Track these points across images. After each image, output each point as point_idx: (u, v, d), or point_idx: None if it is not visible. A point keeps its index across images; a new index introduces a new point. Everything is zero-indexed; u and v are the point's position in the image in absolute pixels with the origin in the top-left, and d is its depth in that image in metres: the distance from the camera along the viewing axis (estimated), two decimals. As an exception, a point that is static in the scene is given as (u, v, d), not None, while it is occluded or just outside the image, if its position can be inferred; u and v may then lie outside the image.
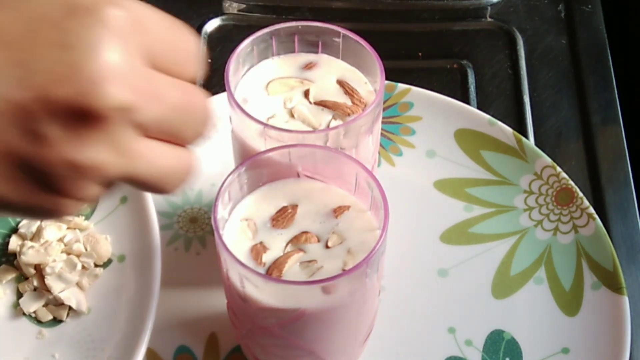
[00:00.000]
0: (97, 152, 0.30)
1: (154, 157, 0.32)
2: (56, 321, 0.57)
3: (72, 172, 0.30)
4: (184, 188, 0.35)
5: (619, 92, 0.72)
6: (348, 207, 0.49)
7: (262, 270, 0.47)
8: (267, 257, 0.47)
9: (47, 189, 0.31)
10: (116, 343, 0.54)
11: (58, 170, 0.30)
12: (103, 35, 0.29)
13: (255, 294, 0.46)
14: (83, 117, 0.29)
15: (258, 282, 0.46)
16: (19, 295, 0.58)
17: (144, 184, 0.33)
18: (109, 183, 0.32)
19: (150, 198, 0.59)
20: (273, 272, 0.46)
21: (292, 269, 0.47)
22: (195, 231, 0.62)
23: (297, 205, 0.49)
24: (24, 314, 0.57)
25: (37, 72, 0.29)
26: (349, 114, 0.52)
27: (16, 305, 0.57)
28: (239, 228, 0.49)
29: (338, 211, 0.49)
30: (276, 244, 0.48)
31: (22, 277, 0.58)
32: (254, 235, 0.48)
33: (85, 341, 0.55)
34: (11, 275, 0.58)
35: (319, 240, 0.48)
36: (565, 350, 0.57)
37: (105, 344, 0.55)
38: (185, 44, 0.34)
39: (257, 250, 0.48)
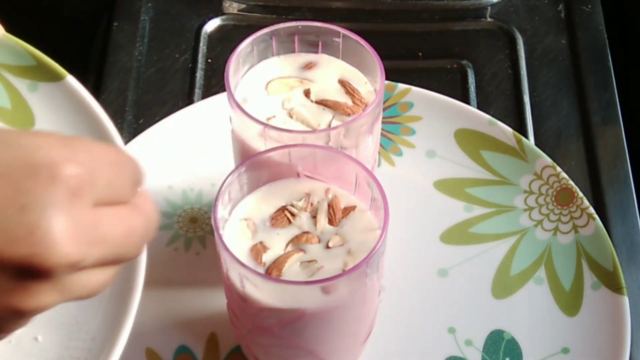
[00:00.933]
0: (41, 299, 0.32)
1: (91, 284, 0.34)
2: None
3: (14, 317, 0.32)
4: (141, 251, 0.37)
5: (619, 92, 0.72)
6: (354, 208, 0.49)
7: (262, 270, 0.47)
8: (267, 257, 0.47)
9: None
10: (99, 324, 0.54)
11: (2, 314, 0.32)
12: (57, 197, 0.30)
13: (255, 294, 0.46)
14: (32, 275, 0.31)
15: (258, 282, 0.46)
16: None
17: (92, 293, 0.34)
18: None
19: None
20: (272, 271, 0.46)
21: (292, 269, 0.47)
22: (195, 231, 0.62)
23: (295, 205, 0.49)
24: None
25: None
26: (349, 114, 0.52)
27: None
28: (239, 228, 0.49)
29: (344, 212, 0.49)
30: (276, 244, 0.48)
31: None
32: (253, 235, 0.48)
33: (70, 323, 0.55)
34: None
35: (319, 241, 0.48)
36: (565, 350, 0.57)
37: (89, 326, 0.54)
38: (128, 175, 0.35)
39: (257, 250, 0.48)
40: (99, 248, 0.32)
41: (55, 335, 0.55)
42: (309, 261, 0.47)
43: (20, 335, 0.55)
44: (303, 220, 0.49)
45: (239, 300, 0.48)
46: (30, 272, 0.30)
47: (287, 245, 0.48)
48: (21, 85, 0.55)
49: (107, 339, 0.52)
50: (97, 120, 0.51)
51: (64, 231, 0.31)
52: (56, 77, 0.54)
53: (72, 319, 0.55)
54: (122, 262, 0.35)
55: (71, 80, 0.54)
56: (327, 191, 0.50)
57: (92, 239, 0.32)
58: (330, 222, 0.48)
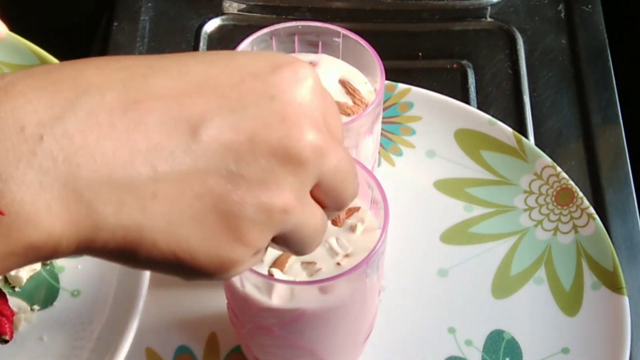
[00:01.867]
0: (287, 196, 0.32)
1: (317, 213, 0.35)
2: (45, 304, 0.57)
3: (263, 215, 0.32)
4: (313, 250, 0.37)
5: (619, 92, 0.72)
6: (358, 209, 0.49)
7: (262, 270, 0.47)
8: (267, 257, 0.47)
9: (232, 235, 0.32)
10: (105, 323, 0.54)
11: (250, 212, 0.32)
12: (302, 88, 0.33)
13: (256, 294, 0.46)
14: (285, 160, 0.32)
15: (258, 282, 0.46)
16: None
17: (298, 239, 0.35)
18: (274, 237, 0.34)
19: None
20: (273, 271, 0.46)
21: (293, 269, 0.47)
22: (195, 231, 0.62)
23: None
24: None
25: (248, 118, 0.32)
26: (349, 114, 0.52)
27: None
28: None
29: (348, 212, 0.49)
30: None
31: None
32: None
33: (74, 323, 0.55)
34: None
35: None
36: (565, 350, 0.57)
37: (94, 325, 0.54)
38: (338, 113, 0.37)
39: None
40: (335, 153, 0.34)
41: (60, 335, 0.55)
42: (309, 263, 0.47)
43: (25, 335, 0.55)
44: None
45: (239, 300, 0.48)
46: (282, 159, 0.32)
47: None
48: None
49: (113, 339, 0.52)
50: None
51: (311, 120, 0.33)
52: None
53: (77, 319, 0.55)
54: (339, 202, 0.36)
55: None
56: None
57: (329, 139, 0.34)
58: (334, 222, 0.48)
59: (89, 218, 0.29)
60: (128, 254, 0.31)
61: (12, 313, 0.54)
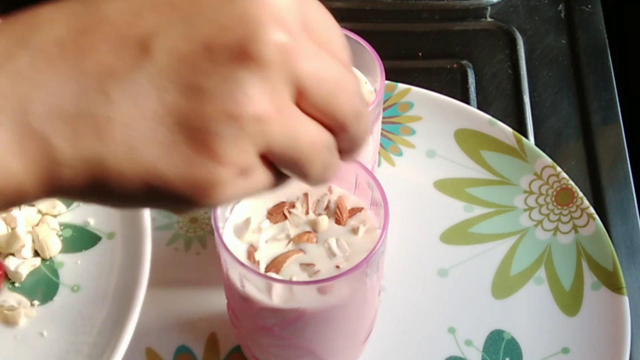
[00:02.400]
0: (258, 103, 0.30)
1: (309, 127, 0.32)
2: (45, 299, 0.57)
3: (232, 126, 0.29)
4: (327, 181, 0.34)
5: (619, 92, 0.72)
6: (361, 209, 0.49)
7: (259, 269, 0.47)
8: (267, 256, 0.47)
9: (203, 153, 0.30)
10: (106, 318, 0.54)
11: (217, 125, 0.29)
12: None
13: (255, 294, 0.46)
14: (245, 62, 0.29)
15: (258, 282, 0.46)
16: None
17: (295, 158, 0.32)
18: (266, 155, 0.31)
19: None
20: (270, 270, 0.46)
21: (291, 269, 0.47)
22: (195, 231, 0.62)
23: (295, 202, 0.49)
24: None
25: (201, 25, 0.30)
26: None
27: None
28: (239, 228, 0.49)
29: (351, 212, 0.49)
30: (276, 243, 0.48)
31: None
32: (254, 235, 0.48)
33: (75, 318, 0.55)
34: None
35: (317, 241, 0.48)
36: (565, 350, 0.57)
37: (95, 320, 0.54)
38: (337, 30, 0.34)
39: (257, 249, 0.48)
40: (313, 56, 0.31)
41: (61, 330, 0.55)
42: (308, 264, 0.47)
43: (25, 330, 0.55)
44: (303, 219, 0.49)
45: (239, 300, 0.48)
46: (243, 62, 0.29)
47: (287, 243, 0.48)
48: None
49: (113, 333, 0.52)
50: None
51: (275, 18, 0.30)
52: None
53: (77, 314, 0.55)
54: (338, 120, 0.32)
55: None
56: (329, 190, 0.50)
57: (305, 42, 0.31)
58: (338, 222, 0.48)
59: (46, 153, 0.29)
60: (98, 189, 0.30)
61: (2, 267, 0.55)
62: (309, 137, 0.32)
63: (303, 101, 0.31)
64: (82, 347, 0.53)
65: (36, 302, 0.57)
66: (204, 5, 0.30)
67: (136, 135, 0.29)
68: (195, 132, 0.29)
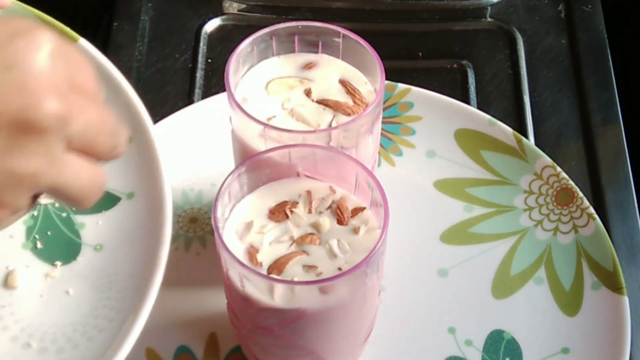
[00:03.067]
0: (34, 162, 0.34)
1: (77, 168, 0.36)
2: (68, 259, 0.56)
3: (10, 180, 0.34)
4: (94, 203, 0.39)
5: (619, 92, 0.72)
6: (363, 209, 0.49)
7: (261, 270, 0.47)
8: (268, 257, 0.47)
9: None
10: (131, 275, 0.54)
11: (1, 180, 0.34)
12: (41, 56, 0.34)
13: (256, 294, 0.46)
14: (26, 130, 0.33)
15: (258, 282, 0.46)
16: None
17: (66, 195, 0.37)
18: (35, 194, 0.36)
19: (153, 136, 0.59)
20: (273, 271, 0.46)
21: (293, 270, 0.47)
22: (195, 231, 0.62)
23: (297, 202, 0.49)
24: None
25: None
26: (349, 114, 0.52)
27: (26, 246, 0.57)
28: (239, 228, 0.49)
29: (353, 212, 0.49)
30: (278, 244, 0.48)
31: None
32: (256, 235, 0.48)
33: (99, 276, 0.55)
34: None
35: (320, 242, 0.48)
36: (565, 350, 0.57)
37: (120, 277, 0.54)
38: (92, 74, 0.38)
39: (258, 250, 0.48)
40: (82, 115, 0.35)
41: (86, 288, 0.54)
42: (310, 266, 0.47)
43: (50, 289, 0.55)
44: (304, 219, 0.49)
45: (239, 301, 0.48)
46: (23, 128, 0.33)
47: (290, 245, 0.48)
48: None
49: (140, 288, 0.52)
50: (113, 82, 0.52)
51: (51, 88, 0.34)
52: (68, 41, 0.54)
53: (102, 272, 0.55)
54: (100, 154, 0.38)
55: (84, 43, 0.54)
56: (332, 190, 0.50)
57: (75, 103, 0.35)
58: (340, 222, 0.49)
59: None
60: None
61: None
62: (82, 181, 0.37)
63: (72, 146, 0.36)
64: (110, 303, 0.53)
65: (58, 263, 0.56)
66: None
67: None
68: None
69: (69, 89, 0.35)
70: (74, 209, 0.42)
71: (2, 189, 0.34)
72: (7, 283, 0.55)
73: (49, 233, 0.58)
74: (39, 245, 0.58)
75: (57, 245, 0.57)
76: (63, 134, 0.34)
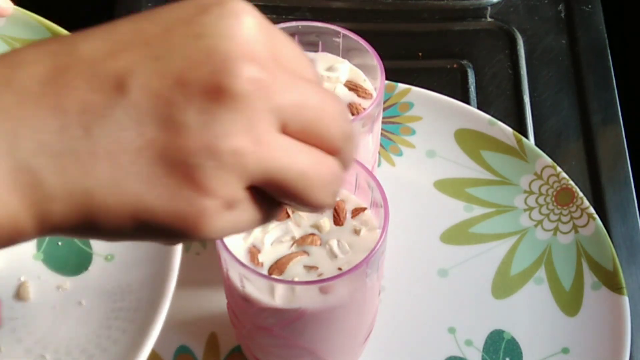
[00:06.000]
0: (235, 136, 0.30)
1: (295, 154, 0.32)
2: (79, 270, 0.56)
3: (211, 159, 0.30)
4: (332, 203, 0.34)
5: (619, 92, 0.72)
6: (364, 209, 0.49)
7: (262, 270, 0.47)
8: (269, 257, 0.47)
9: (187, 185, 0.30)
10: (143, 285, 0.53)
11: (196, 158, 0.30)
12: (234, 22, 0.31)
13: (256, 294, 0.46)
14: (219, 97, 0.30)
15: (258, 282, 0.46)
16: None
17: (286, 188, 0.32)
18: (250, 182, 0.31)
19: None
20: (274, 272, 0.46)
21: (294, 270, 0.47)
22: (195, 231, 0.62)
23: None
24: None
25: (173, 61, 0.30)
26: (352, 114, 0.52)
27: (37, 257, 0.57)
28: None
29: (354, 213, 0.49)
30: (278, 244, 0.48)
31: None
32: (257, 235, 0.48)
33: (112, 286, 0.54)
34: None
35: (321, 243, 0.48)
36: (565, 350, 0.57)
37: (132, 287, 0.54)
38: (306, 58, 0.34)
39: (258, 250, 0.48)
40: (289, 87, 0.31)
41: (99, 299, 0.54)
42: (311, 266, 0.47)
43: (63, 301, 0.55)
44: (305, 219, 0.49)
45: (239, 300, 0.48)
46: (217, 96, 0.30)
47: (291, 245, 0.48)
48: None
49: (153, 298, 0.51)
50: None
51: (246, 51, 0.30)
52: None
53: (115, 281, 0.55)
54: (327, 143, 0.33)
55: None
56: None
57: (279, 73, 0.31)
58: (336, 221, 0.49)
59: (38, 188, 0.29)
60: (89, 223, 0.30)
61: None
62: (301, 165, 0.32)
63: (288, 130, 0.32)
64: (123, 313, 0.53)
65: (70, 274, 0.56)
66: (175, 42, 0.31)
67: (120, 169, 0.29)
68: (177, 165, 0.30)
69: (272, 61, 0.31)
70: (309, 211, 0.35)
71: (205, 172, 0.30)
72: (19, 295, 0.55)
73: (59, 243, 0.58)
74: (50, 256, 0.58)
75: (68, 255, 0.57)
76: (266, 106, 0.30)
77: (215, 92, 0.30)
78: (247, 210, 0.32)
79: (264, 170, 0.31)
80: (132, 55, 0.30)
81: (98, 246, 0.57)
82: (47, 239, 0.58)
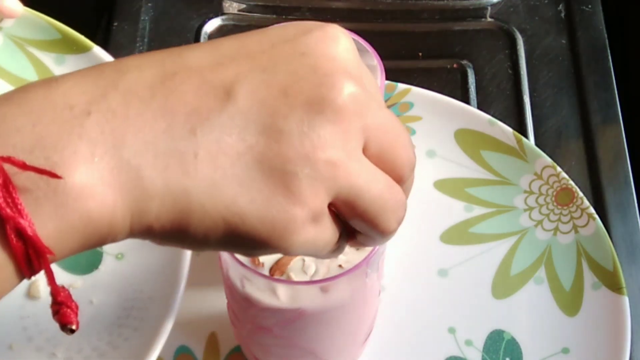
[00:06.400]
0: (332, 148, 0.32)
1: (375, 175, 0.33)
2: (90, 269, 0.56)
3: (307, 167, 0.31)
4: (396, 230, 0.35)
5: (619, 92, 0.72)
6: None
7: (263, 271, 0.47)
8: (271, 258, 0.47)
9: (280, 192, 0.31)
10: (154, 284, 0.53)
11: (293, 165, 0.31)
12: (334, 44, 0.33)
13: (256, 294, 0.46)
14: (322, 109, 0.32)
15: (259, 283, 0.46)
16: None
17: (363, 208, 0.33)
18: (334, 198, 0.32)
19: None
20: (275, 272, 0.46)
21: (294, 269, 0.47)
22: (195, 231, 0.62)
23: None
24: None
25: (279, 74, 0.32)
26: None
27: None
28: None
29: None
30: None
31: None
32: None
33: (123, 285, 0.55)
34: None
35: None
36: (565, 350, 0.57)
37: (143, 286, 0.54)
38: (372, 77, 0.36)
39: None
40: (377, 109, 0.33)
41: (110, 297, 0.54)
42: (311, 266, 0.47)
43: (75, 299, 0.55)
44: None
45: (239, 300, 0.48)
46: (319, 109, 0.32)
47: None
48: (48, 59, 0.55)
49: (164, 297, 0.51)
50: None
51: (346, 71, 0.33)
52: (82, 49, 0.53)
53: (125, 280, 0.55)
54: (396, 168, 0.35)
55: (98, 51, 0.54)
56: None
57: (368, 95, 0.33)
58: None
59: (138, 185, 0.30)
60: (182, 226, 0.31)
61: (77, 306, 0.54)
62: (379, 188, 0.33)
63: (368, 151, 0.33)
64: (134, 312, 0.53)
65: (81, 272, 0.56)
66: (278, 57, 0.33)
67: (219, 171, 0.31)
68: (273, 171, 0.31)
69: (363, 83, 0.33)
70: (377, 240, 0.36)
71: (298, 179, 0.31)
72: (30, 293, 0.55)
73: None
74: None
75: (79, 254, 0.57)
76: (360, 123, 0.32)
77: (318, 103, 0.32)
78: (328, 228, 0.33)
79: (350, 187, 0.32)
80: (239, 66, 0.32)
81: (109, 245, 0.57)
82: None
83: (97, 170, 0.29)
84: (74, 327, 0.50)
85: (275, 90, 0.32)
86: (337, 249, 0.35)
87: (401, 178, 0.35)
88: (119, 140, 0.30)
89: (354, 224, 0.34)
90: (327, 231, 0.33)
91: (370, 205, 0.33)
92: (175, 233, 0.31)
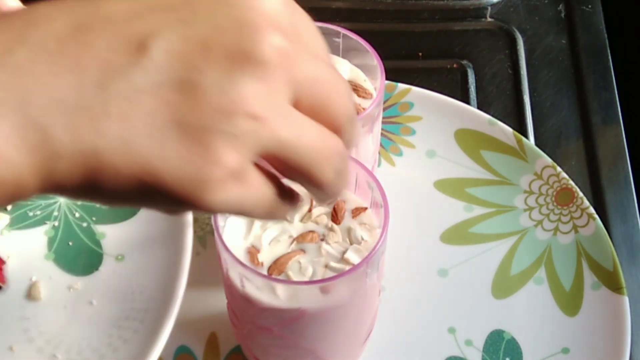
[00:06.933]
0: (252, 103, 0.30)
1: (305, 128, 0.32)
2: (90, 270, 0.56)
3: (225, 123, 0.29)
4: (336, 181, 0.33)
5: (619, 92, 0.72)
6: (365, 209, 0.49)
7: (261, 270, 0.47)
8: (268, 257, 0.47)
9: (196, 150, 0.29)
10: (154, 285, 0.53)
11: (210, 121, 0.29)
12: None
13: (256, 293, 0.46)
14: (243, 63, 0.30)
15: (258, 282, 0.46)
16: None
17: (295, 161, 0.32)
18: (260, 154, 0.31)
19: None
20: (273, 272, 0.46)
21: (293, 269, 0.47)
22: (195, 231, 0.62)
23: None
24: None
25: (199, 26, 0.30)
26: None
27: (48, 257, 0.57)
28: (239, 228, 0.49)
29: (355, 212, 0.49)
30: (278, 243, 0.48)
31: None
32: (255, 234, 0.48)
33: (123, 286, 0.55)
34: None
35: (322, 240, 0.48)
36: (565, 350, 0.57)
37: (143, 288, 0.54)
38: (321, 36, 0.34)
39: (258, 250, 0.48)
40: (308, 59, 0.32)
41: (110, 299, 0.54)
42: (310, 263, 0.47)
43: (74, 301, 0.55)
44: (304, 218, 0.49)
45: (239, 300, 0.48)
46: (240, 62, 0.30)
47: (290, 244, 0.48)
48: None
49: (164, 298, 0.51)
50: None
51: (273, 24, 0.31)
52: None
53: (126, 281, 0.55)
54: (332, 118, 0.33)
55: None
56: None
57: (300, 46, 0.31)
58: (334, 219, 0.49)
59: (46, 145, 0.29)
60: (92, 184, 0.30)
61: (2, 261, 0.54)
62: (313, 139, 0.32)
63: (300, 104, 0.32)
64: (134, 314, 0.53)
65: (81, 274, 0.56)
66: (201, 8, 0.31)
67: (132, 129, 0.29)
68: (190, 129, 0.29)
69: (295, 36, 0.31)
70: (319, 197, 0.35)
71: (216, 137, 0.29)
72: (31, 295, 0.55)
73: (70, 244, 0.58)
74: (60, 256, 0.57)
75: (79, 255, 0.57)
76: (286, 77, 0.31)
77: (239, 57, 0.30)
78: (255, 186, 0.31)
79: (278, 140, 0.31)
80: (157, 18, 0.30)
81: (109, 246, 0.57)
82: (57, 240, 0.58)
83: (3, 131, 0.28)
84: (1, 284, 0.50)
85: (194, 43, 0.30)
86: (277, 210, 0.33)
87: (339, 128, 0.33)
88: (25, 98, 0.28)
89: (292, 179, 0.33)
90: (254, 189, 0.31)
91: (302, 157, 0.32)
92: (88, 191, 0.30)
